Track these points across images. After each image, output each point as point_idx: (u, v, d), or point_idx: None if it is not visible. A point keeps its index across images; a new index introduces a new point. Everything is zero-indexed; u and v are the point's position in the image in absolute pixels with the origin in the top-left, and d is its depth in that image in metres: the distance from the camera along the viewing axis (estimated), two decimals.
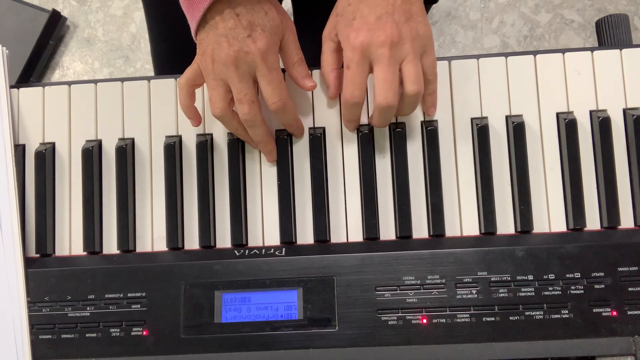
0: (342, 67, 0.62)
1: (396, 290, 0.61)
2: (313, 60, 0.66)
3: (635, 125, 0.64)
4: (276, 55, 0.61)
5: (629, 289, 0.59)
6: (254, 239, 0.65)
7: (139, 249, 0.66)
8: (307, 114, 0.67)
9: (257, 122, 0.62)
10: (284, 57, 0.64)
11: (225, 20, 0.59)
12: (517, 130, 0.64)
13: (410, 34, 0.59)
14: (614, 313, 0.59)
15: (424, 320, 0.60)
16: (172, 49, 0.87)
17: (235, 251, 0.64)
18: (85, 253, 0.66)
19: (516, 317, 0.59)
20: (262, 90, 0.61)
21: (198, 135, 0.67)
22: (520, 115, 0.65)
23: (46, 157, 0.67)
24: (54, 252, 0.66)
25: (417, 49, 0.60)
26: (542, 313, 0.59)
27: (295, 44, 0.64)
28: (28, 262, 0.65)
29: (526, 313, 0.59)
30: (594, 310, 0.59)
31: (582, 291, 0.59)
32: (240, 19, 0.59)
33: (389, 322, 0.60)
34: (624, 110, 0.65)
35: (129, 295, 0.62)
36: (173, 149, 0.66)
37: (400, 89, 0.61)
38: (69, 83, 0.69)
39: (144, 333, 0.62)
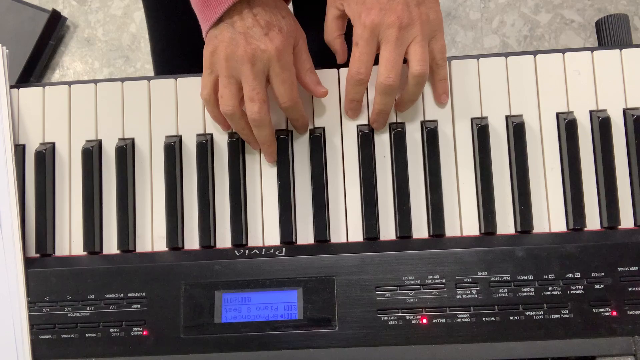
0: (344, 34, 0.64)
1: (396, 290, 0.61)
2: (315, 59, 0.66)
3: (635, 125, 0.64)
4: (291, 56, 0.62)
5: (629, 289, 0.59)
6: (254, 239, 0.65)
7: (139, 249, 0.66)
8: (307, 114, 0.67)
9: (264, 122, 0.62)
10: (296, 63, 0.64)
11: (243, 19, 0.59)
12: (517, 130, 0.64)
13: (420, 18, 0.60)
14: (614, 313, 0.59)
15: (424, 320, 0.60)
16: (172, 49, 0.87)
17: (235, 251, 0.64)
18: (85, 253, 0.66)
19: (516, 317, 0.59)
20: (275, 88, 0.61)
21: (198, 135, 0.67)
22: (520, 115, 0.65)
23: (46, 157, 0.67)
24: (54, 252, 0.66)
25: (426, 33, 0.61)
26: (542, 313, 0.59)
27: (307, 51, 0.65)
28: (28, 262, 0.65)
29: (526, 313, 0.59)
30: (594, 310, 0.59)
31: (582, 291, 0.59)
32: (258, 19, 0.60)
33: (389, 322, 0.60)
34: (624, 110, 0.65)
35: (129, 295, 0.62)
36: (173, 149, 0.66)
37: (405, 72, 0.62)
38: (69, 83, 0.69)
39: (144, 333, 0.62)
